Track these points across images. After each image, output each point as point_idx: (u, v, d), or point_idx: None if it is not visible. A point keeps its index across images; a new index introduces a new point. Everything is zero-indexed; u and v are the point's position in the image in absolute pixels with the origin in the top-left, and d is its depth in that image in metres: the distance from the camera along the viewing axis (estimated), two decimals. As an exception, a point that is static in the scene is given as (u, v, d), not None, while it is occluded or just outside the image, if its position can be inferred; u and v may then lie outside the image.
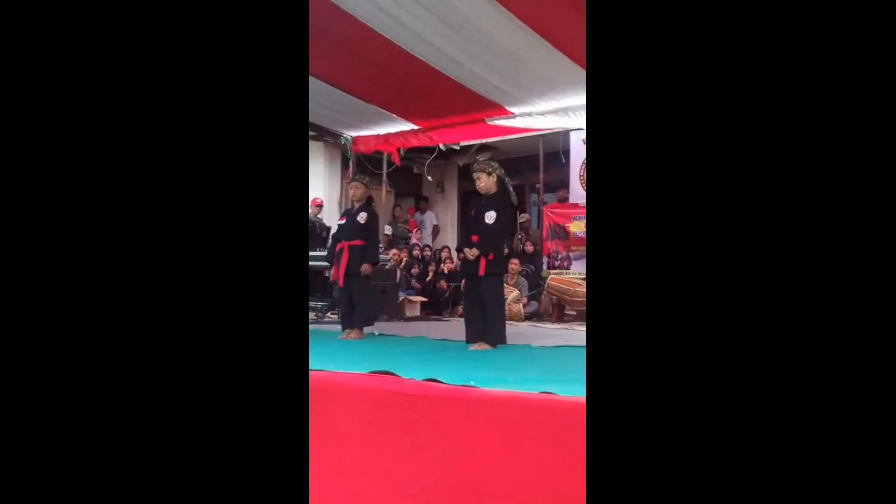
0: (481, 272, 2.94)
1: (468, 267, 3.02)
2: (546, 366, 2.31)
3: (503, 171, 3.14)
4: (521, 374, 2.03)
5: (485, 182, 3.07)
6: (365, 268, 3.35)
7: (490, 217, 2.96)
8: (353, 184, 3.50)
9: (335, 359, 2.23)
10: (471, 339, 2.95)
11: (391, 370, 1.87)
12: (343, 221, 3.55)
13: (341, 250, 3.39)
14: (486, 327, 2.91)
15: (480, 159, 3.15)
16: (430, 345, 3.17)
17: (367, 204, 3.52)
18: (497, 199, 3.05)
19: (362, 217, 3.41)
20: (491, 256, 2.94)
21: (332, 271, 3.45)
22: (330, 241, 5.13)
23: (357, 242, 3.41)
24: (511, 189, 3.16)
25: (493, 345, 2.87)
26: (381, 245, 5.05)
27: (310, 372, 1.95)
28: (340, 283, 3.39)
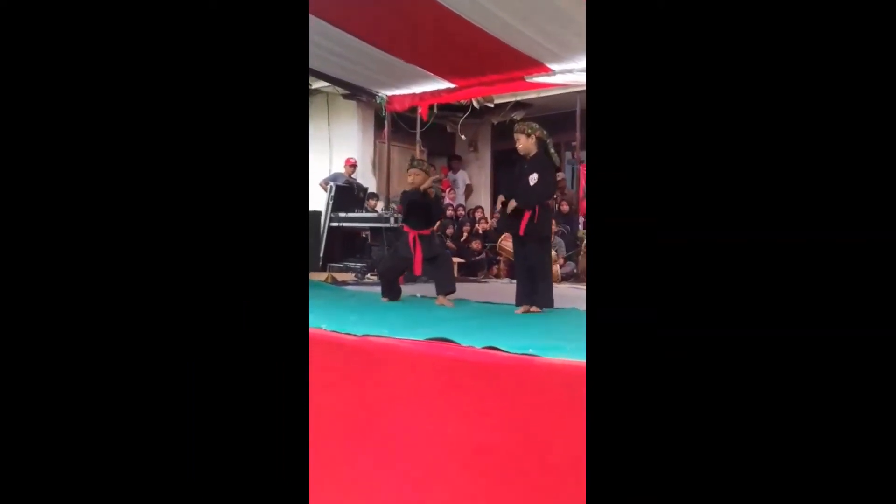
0: (521, 231, 2.90)
1: (508, 225, 2.95)
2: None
3: (545, 132, 3.06)
4: (579, 341, 2.01)
5: (523, 144, 3.00)
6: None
7: (533, 179, 2.90)
8: (413, 170, 3.42)
9: (388, 323, 2.24)
10: (519, 301, 2.94)
11: (448, 337, 1.87)
12: (405, 210, 3.48)
13: (414, 240, 3.35)
14: (535, 290, 2.88)
15: (518, 119, 3.05)
16: (476, 308, 3.17)
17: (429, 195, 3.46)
18: (539, 161, 2.98)
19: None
20: (531, 212, 2.89)
21: (409, 262, 3.40)
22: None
23: (426, 232, 3.40)
24: (553, 150, 3.09)
25: (542, 308, 2.87)
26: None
27: (364, 337, 1.98)
28: (418, 272, 3.40)
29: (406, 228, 3.42)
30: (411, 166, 3.49)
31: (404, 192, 3.50)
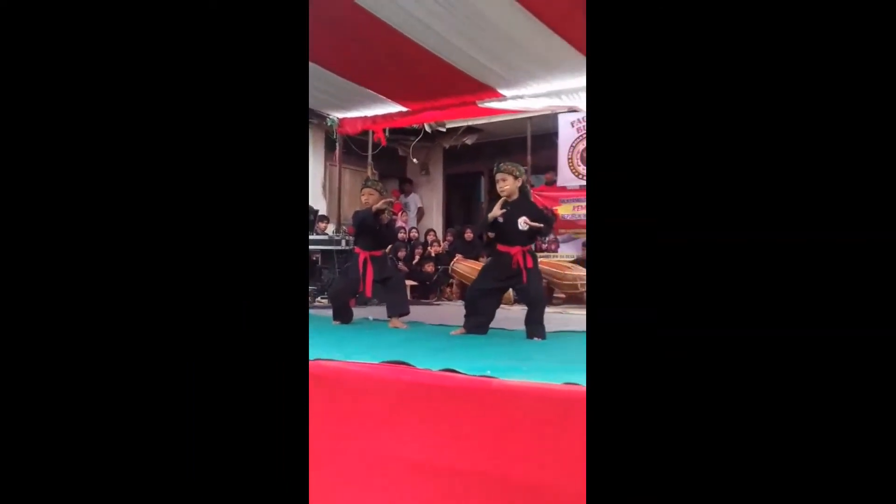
0: (525, 281, 2.87)
1: (505, 276, 2.93)
2: (557, 354, 2.29)
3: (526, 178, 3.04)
4: (535, 362, 2.01)
5: (510, 185, 2.97)
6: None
7: (522, 223, 2.88)
8: (367, 190, 3.37)
9: (341, 347, 2.19)
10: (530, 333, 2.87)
11: (404, 360, 1.84)
12: (356, 230, 3.43)
13: (364, 262, 3.28)
14: (535, 319, 2.85)
15: (503, 164, 3.03)
16: (431, 331, 3.14)
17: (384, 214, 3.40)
18: (524, 204, 2.99)
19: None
20: (530, 262, 2.91)
21: (360, 284, 3.32)
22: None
23: (378, 253, 3.35)
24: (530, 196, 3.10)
25: (543, 338, 2.81)
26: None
27: (319, 361, 1.92)
28: (368, 293, 3.31)
29: (357, 249, 3.37)
30: (365, 185, 3.44)
31: (356, 212, 3.45)
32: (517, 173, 3.01)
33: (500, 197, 3.00)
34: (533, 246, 2.99)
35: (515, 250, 2.89)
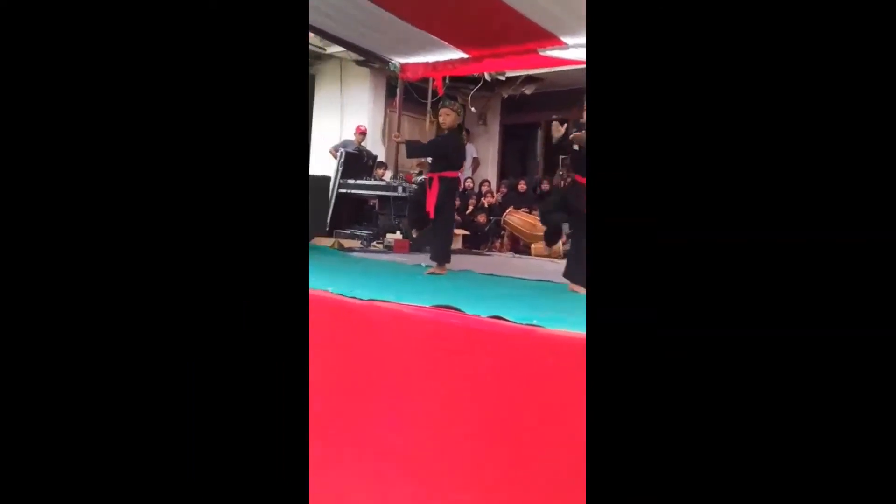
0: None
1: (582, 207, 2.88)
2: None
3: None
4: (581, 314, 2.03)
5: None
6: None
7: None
8: (444, 110, 3.30)
9: (394, 289, 2.27)
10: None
11: (455, 304, 1.90)
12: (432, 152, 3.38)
13: (430, 180, 3.24)
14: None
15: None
16: (480, 280, 3.20)
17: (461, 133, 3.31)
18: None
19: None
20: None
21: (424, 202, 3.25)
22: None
23: (449, 174, 3.29)
24: None
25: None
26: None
27: (370, 301, 2.01)
28: (432, 214, 3.23)
29: (429, 174, 3.35)
30: (443, 105, 3.37)
31: (421, 144, 3.45)
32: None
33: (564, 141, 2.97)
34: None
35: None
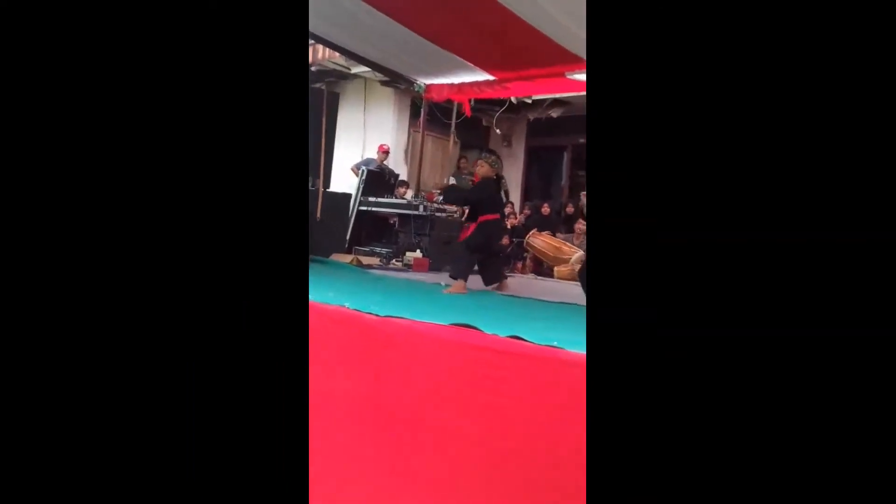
0: None
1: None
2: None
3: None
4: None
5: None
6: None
7: None
8: (480, 161, 3.57)
9: (411, 306, 2.23)
10: None
11: (473, 324, 1.86)
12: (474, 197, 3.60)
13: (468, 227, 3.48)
14: None
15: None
16: (501, 301, 3.15)
17: (498, 183, 3.56)
18: None
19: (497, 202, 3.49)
20: None
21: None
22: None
23: (489, 217, 3.46)
24: None
25: None
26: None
27: (387, 318, 1.97)
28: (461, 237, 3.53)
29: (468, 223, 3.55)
30: (479, 157, 3.62)
31: (460, 190, 3.67)
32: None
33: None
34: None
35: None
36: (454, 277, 3.31)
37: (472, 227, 3.40)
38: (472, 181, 7.98)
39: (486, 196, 3.48)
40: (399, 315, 1.99)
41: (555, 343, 1.66)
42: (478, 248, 3.40)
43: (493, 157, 3.66)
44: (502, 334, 1.74)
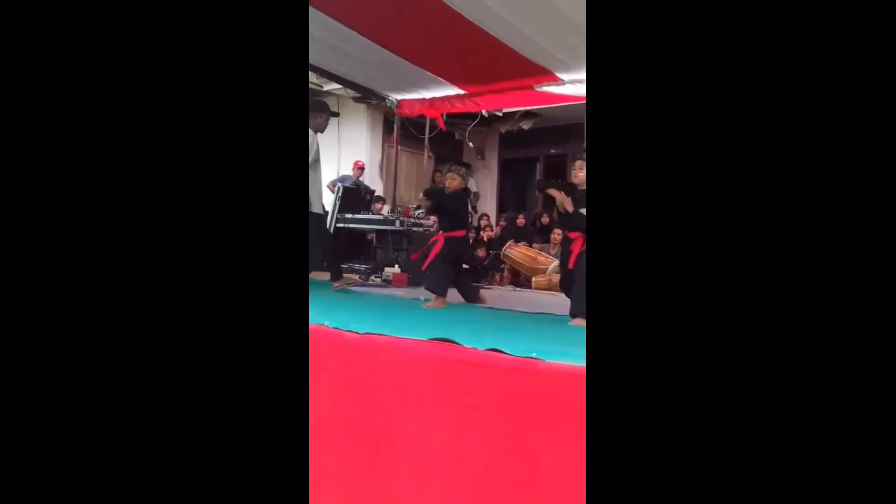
0: (571, 263, 2.90)
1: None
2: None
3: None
4: (582, 346, 2.00)
5: (584, 174, 2.97)
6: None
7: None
8: (450, 174, 3.54)
9: (392, 323, 2.24)
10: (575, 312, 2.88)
11: (452, 338, 1.87)
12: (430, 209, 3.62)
13: (434, 242, 3.44)
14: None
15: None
16: (480, 313, 3.17)
17: (466, 196, 3.56)
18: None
19: (471, 184, 3.51)
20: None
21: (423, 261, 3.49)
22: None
23: (456, 234, 3.45)
24: None
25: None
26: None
27: (367, 335, 1.97)
28: (423, 267, 3.45)
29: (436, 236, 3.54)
30: (449, 170, 3.59)
31: (440, 194, 3.59)
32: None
33: (562, 182, 3.05)
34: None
35: (576, 236, 2.92)
36: (432, 293, 3.32)
37: (441, 240, 3.42)
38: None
39: (456, 208, 3.51)
40: (378, 332, 1.99)
41: (533, 354, 1.68)
42: (452, 260, 3.42)
43: (464, 170, 3.68)
44: (481, 347, 1.76)
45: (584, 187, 2.96)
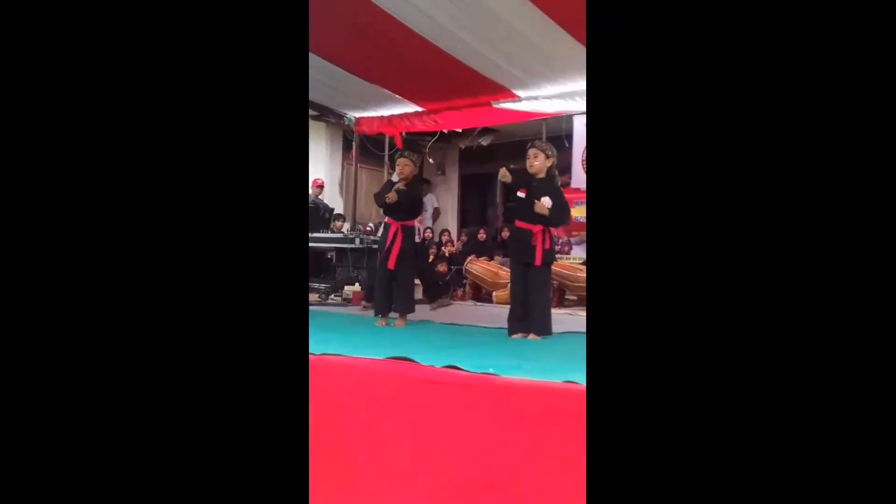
0: (538, 261, 2.80)
1: (521, 254, 2.87)
2: (563, 353, 2.30)
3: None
4: (538, 362, 2.02)
5: (540, 163, 2.90)
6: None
7: (546, 202, 2.82)
8: (402, 160, 3.37)
9: (350, 343, 2.22)
10: (513, 329, 2.85)
11: (409, 356, 1.86)
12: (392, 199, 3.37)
13: (395, 231, 3.24)
14: (535, 317, 2.80)
15: (537, 141, 2.98)
16: (439, 329, 3.16)
17: (422, 184, 3.42)
18: (550, 185, 2.92)
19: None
20: (548, 244, 2.84)
21: (382, 253, 3.31)
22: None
23: (410, 223, 3.33)
24: (558, 181, 3.05)
25: (540, 335, 2.77)
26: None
27: (324, 356, 1.95)
28: (391, 265, 3.21)
29: (389, 220, 3.37)
30: (401, 156, 3.42)
31: (389, 182, 3.46)
32: (549, 153, 2.94)
33: (522, 175, 2.94)
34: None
35: (537, 228, 2.84)
36: (406, 312, 3.25)
37: (400, 235, 3.25)
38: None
39: (418, 197, 3.38)
40: (335, 352, 1.97)
41: (490, 370, 1.68)
42: (412, 259, 3.30)
43: (416, 155, 3.49)
44: (438, 364, 1.75)
45: (542, 175, 2.91)
